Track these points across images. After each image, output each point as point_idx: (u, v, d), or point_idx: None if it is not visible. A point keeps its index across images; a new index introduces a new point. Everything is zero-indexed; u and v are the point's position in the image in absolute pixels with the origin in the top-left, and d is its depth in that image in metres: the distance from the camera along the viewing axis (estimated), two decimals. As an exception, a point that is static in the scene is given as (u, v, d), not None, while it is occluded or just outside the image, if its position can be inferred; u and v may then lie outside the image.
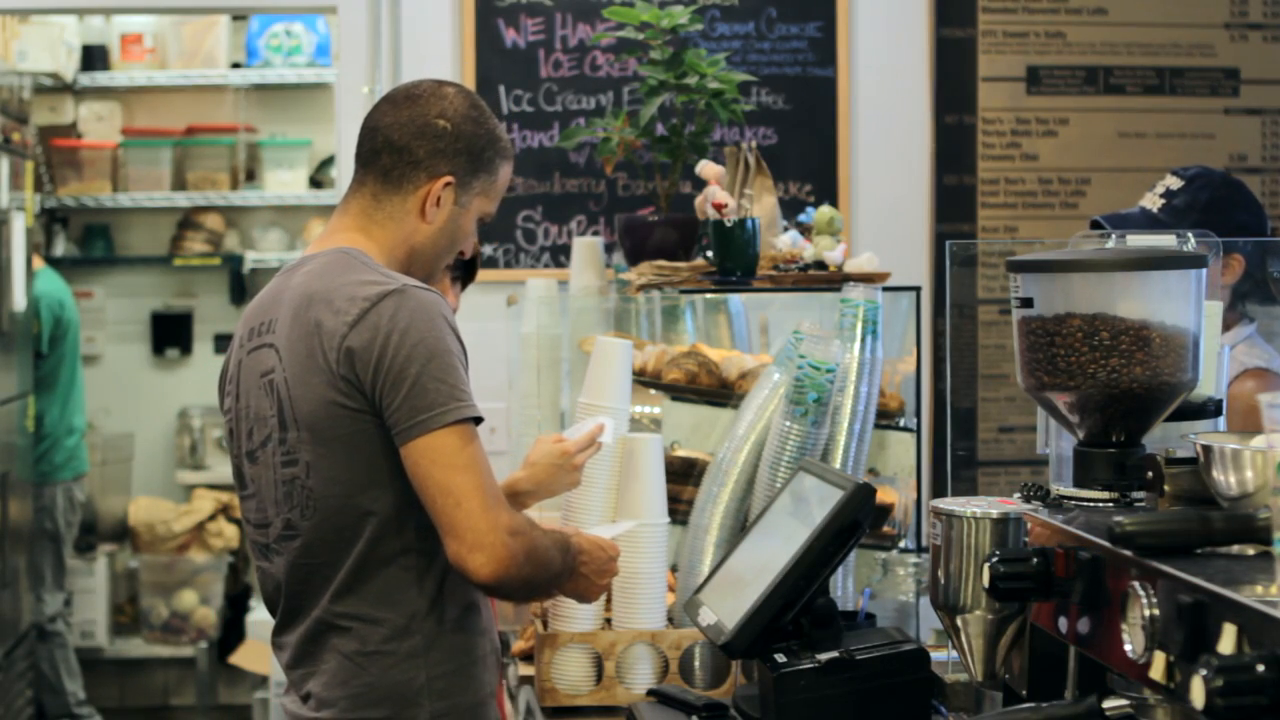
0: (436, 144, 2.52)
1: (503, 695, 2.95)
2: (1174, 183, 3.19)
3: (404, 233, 2.53)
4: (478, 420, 2.39)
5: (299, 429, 2.42)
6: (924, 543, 3.27)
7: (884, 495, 3.29)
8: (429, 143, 2.52)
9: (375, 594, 2.42)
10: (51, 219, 7.55)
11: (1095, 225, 3.22)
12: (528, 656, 3.22)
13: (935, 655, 2.54)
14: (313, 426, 2.41)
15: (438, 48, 5.18)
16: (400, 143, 2.54)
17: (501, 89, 5.08)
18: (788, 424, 3.01)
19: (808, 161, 5.16)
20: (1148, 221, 3.15)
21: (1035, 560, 1.97)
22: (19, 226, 6.23)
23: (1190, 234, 2.34)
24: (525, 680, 3.12)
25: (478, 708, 2.50)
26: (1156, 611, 1.70)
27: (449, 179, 2.52)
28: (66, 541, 6.79)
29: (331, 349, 2.38)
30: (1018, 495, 2.22)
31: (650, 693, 2.79)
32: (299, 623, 2.50)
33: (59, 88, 7.47)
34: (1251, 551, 1.76)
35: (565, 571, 2.52)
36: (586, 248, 4.10)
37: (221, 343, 7.74)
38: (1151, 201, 3.19)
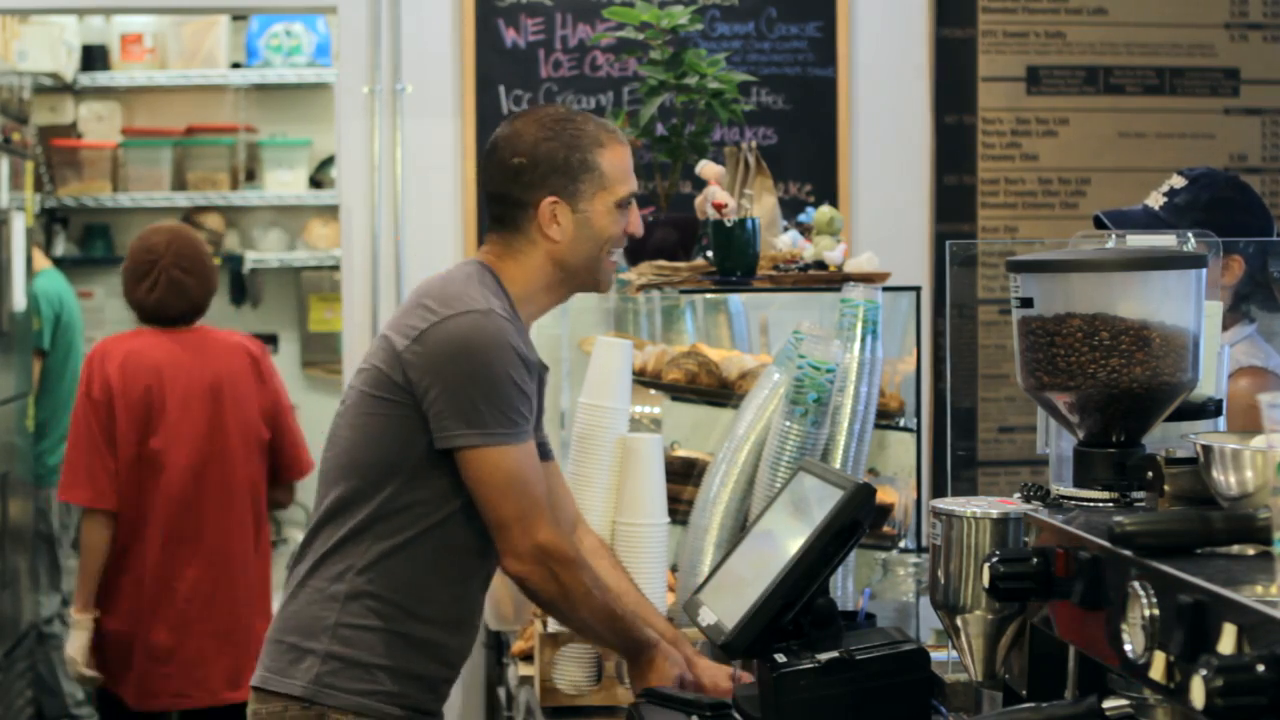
0: (522, 179, 2.71)
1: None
2: (1178, 181, 3.19)
3: (541, 257, 2.74)
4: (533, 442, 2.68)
5: (351, 393, 2.73)
6: (924, 543, 3.27)
7: (884, 495, 3.29)
8: (515, 181, 2.72)
9: (333, 539, 2.70)
10: (51, 219, 7.54)
11: (1098, 221, 3.22)
12: (528, 656, 3.22)
13: (935, 655, 2.53)
14: (366, 382, 2.69)
15: (438, 48, 5.19)
16: (498, 193, 2.75)
17: (501, 89, 5.08)
18: (788, 424, 3.01)
19: (808, 161, 5.16)
20: (1149, 219, 3.15)
21: (1035, 560, 1.97)
22: (19, 226, 6.23)
23: (1190, 234, 2.34)
24: (525, 680, 3.12)
25: (375, 670, 2.65)
26: (1156, 611, 1.70)
27: (551, 199, 2.70)
28: (63, 543, 6.78)
29: (408, 335, 2.64)
30: (1018, 495, 2.21)
31: (644, 693, 2.79)
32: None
33: (59, 88, 7.46)
34: (1251, 551, 1.76)
35: (619, 651, 2.79)
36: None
37: (221, 343, 7.72)
38: (1155, 200, 3.19)
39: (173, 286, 4.47)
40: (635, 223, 2.78)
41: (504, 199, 2.74)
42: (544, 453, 2.81)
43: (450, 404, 2.60)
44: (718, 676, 2.78)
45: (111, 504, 4.39)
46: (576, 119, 2.74)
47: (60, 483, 4.55)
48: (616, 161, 2.74)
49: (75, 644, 4.44)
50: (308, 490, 7.33)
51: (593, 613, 2.68)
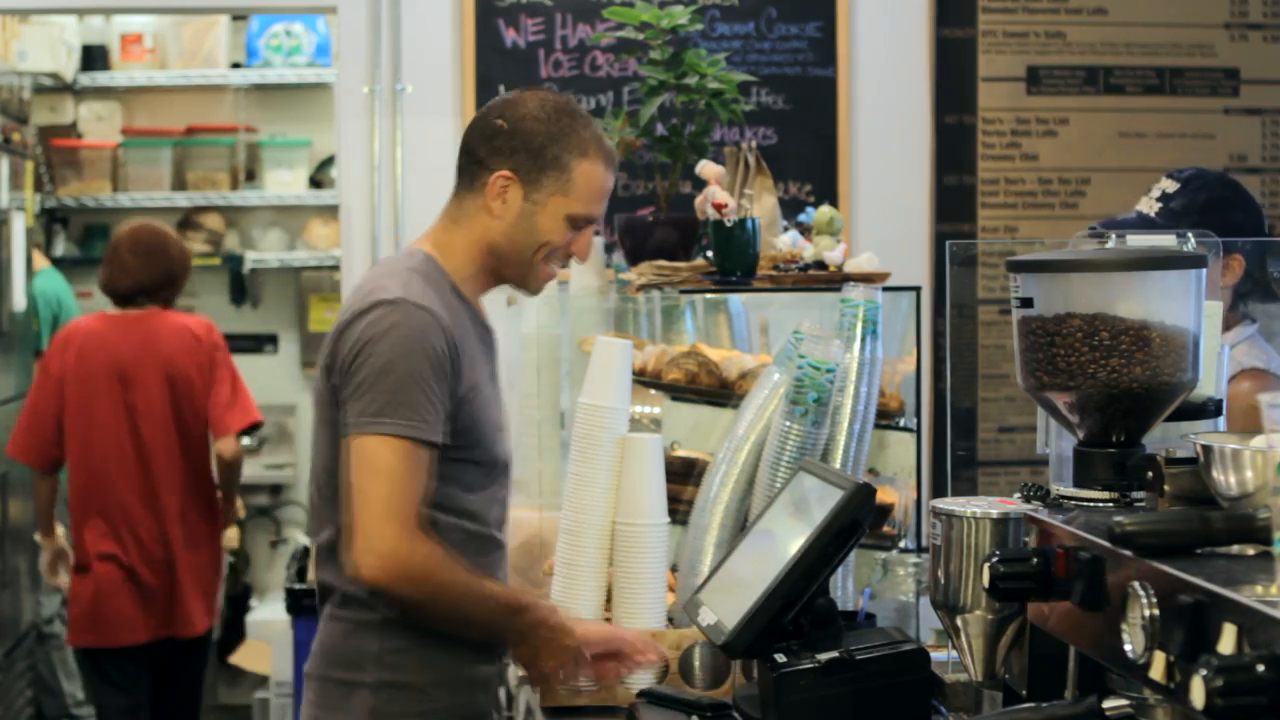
0: (493, 142, 2.65)
1: None
2: (1170, 186, 3.18)
3: (480, 230, 2.66)
4: (427, 443, 2.50)
5: (314, 405, 2.66)
6: (924, 543, 3.27)
7: (884, 495, 3.29)
8: (487, 142, 2.66)
9: (348, 567, 2.55)
10: (51, 219, 7.54)
11: (1093, 232, 3.21)
12: (528, 656, 3.21)
13: (935, 655, 2.54)
14: (315, 404, 2.65)
15: (438, 48, 5.19)
16: (468, 146, 2.69)
17: (501, 89, 5.08)
18: (788, 424, 3.00)
19: (808, 161, 5.16)
20: (1145, 227, 3.15)
21: (1035, 560, 1.97)
22: (19, 226, 6.24)
23: (1190, 234, 2.34)
24: (525, 680, 3.11)
25: (429, 689, 2.59)
26: (1156, 611, 1.70)
27: (506, 174, 2.63)
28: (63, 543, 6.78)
29: (331, 339, 2.59)
30: (1018, 495, 2.22)
31: (640, 694, 2.78)
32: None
33: (59, 88, 7.46)
34: (1251, 551, 1.76)
35: (503, 629, 2.60)
36: (586, 248, 4.09)
37: (221, 343, 7.73)
38: (1148, 206, 3.18)
39: (120, 266, 5.23)
40: (582, 248, 2.68)
41: (470, 153, 2.67)
42: (500, 422, 2.69)
43: (348, 395, 2.51)
44: (597, 634, 2.68)
45: (36, 463, 5.21)
46: (578, 120, 2.66)
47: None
48: (591, 179, 2.64)
49: (41, 561, 5.39)
50: (304, 489, 7.33)
51: (460, 604, 2.54)
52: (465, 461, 2.61)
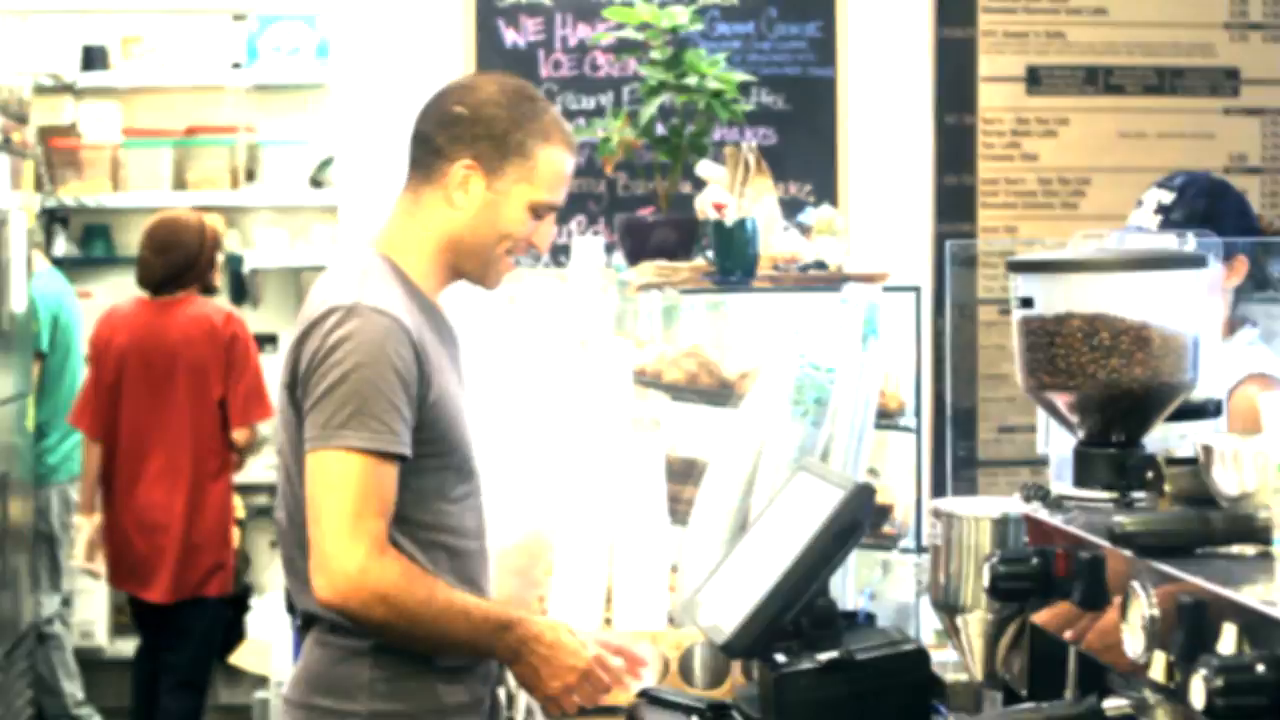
0: (453, 130, 2.53)
1: None
2: (1165, 196, 3.15)
3: (440, 223, 2.54)
4: (392, 456, 2.39)
5: (279, 427, 2.52)
6: (924, 543, 3.27)
7: (884, 495, 3.29)
8: (446, 130, 2.53)
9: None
10: (51, 219, 7.54)
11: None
12: (528, 656, 3.21)
13: (935, 655, 2.54)
14: (281, 425, 2.51)
15: (438, 48, 5.19)
16: (425, 134, 2.56)
17: (501, 89, 5.07)
18: (788, 424, 3.01)
19: (808, 161, 5.16)
20: None
21: (1035, 560, 1.97)
22: (19, 226, 6.23)
23: (1190, 234, 2.34)
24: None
25: (421, 716, 2.48)
26: (1156, 611, 1.70)
27: (468, 163, 2.51)
28: (63, 544, 6.78)
29: (289, 354, 2.48)
30: (1018, 495, 2.22)
31: (640, 694, 2.77)
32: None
33: (59, 88, 7.46)
34: (1251, 551, 1.76)
35: (490, 646, 2.48)
36: (586, 248, 4.10)
37: (221, 343, 7.74)
38: (1146, 219, 3.15)
39: (143, 265, 5.72)
40: (543, 238, 2.57)
41: (427, 142, 2.54)
42: (460, 419, 2.57)
43: (308, 408, 2.40)
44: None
45: (92, 433, 5.68)
46: (538, 104, 2.55)
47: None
48: (553, 164, 2.53)
49: (80, 542, 5.81)
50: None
51: (436, 621, 2.41)
52: (445, 469, 2.51)
